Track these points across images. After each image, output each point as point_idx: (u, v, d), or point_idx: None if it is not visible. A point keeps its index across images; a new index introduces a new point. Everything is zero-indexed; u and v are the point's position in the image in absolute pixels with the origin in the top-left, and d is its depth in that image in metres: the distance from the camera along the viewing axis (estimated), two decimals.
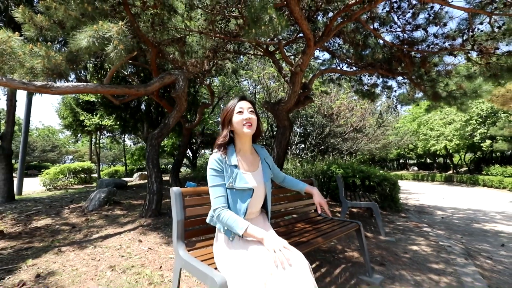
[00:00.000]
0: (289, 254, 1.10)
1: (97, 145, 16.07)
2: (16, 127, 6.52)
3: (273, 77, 9.33)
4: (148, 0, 3.25)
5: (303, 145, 10.93)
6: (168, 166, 22.28)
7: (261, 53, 5.09)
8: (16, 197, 5.98)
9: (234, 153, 1.38)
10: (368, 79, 5.70)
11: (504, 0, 2.90)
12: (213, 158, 1.34)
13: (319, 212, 1.58)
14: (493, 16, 3.18)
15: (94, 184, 10.35)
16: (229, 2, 3.28)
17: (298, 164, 7.58)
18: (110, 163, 37.37)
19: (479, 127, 15.96)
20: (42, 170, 11.07)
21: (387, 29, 4.07)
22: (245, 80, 11.43)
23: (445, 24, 3.56)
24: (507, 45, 3.39)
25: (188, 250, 1.52)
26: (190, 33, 4.01)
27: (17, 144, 19.74)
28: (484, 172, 16.21)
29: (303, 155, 10.08)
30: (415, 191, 11.23)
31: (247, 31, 2.49)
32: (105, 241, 2.85)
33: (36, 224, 3.55)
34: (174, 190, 1.52)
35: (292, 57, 5.58)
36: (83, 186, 9.98)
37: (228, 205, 1.31)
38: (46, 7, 2.81)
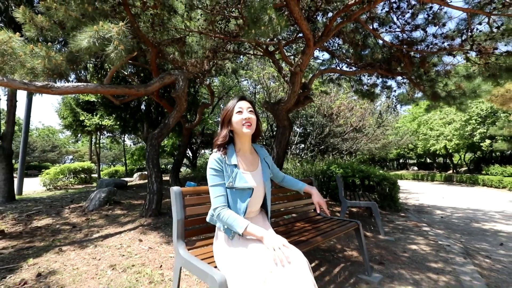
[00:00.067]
0: (289, 252, 1.11)
1: (97, 145, 16.08)
2: (16, 127, 6.53)
3: (273, 77, 9.35)
4: (148, 0, 3.26)
5: (303, 145, 10.95)
6: (168, 166, 22.30)
7: (261, 53, 5.11)
8: (17, 197, 5.99)
9: (234, 153, 1.39)
10: (368, 79, 5.71)
11: (503, 0, 2.91)
12: (213, 158, 1.35)
13: (318, 211, 1.59)
14: (492, 16, 3.19)
15: (94, 184, 10.36)
16: (229, 2, 3.30)
17: (298, 164, 7.60)
18: (110, 163, 37.38)
19: (478, 126, 15.98)
20: (42, 170, 11.07)
21: (386, 29, 4.08)
22: (245, 80, 11.45)
23: (444, 24, 3.58)
24: (505, 45, 3.40)
25: (188, 249, 1.53)
26: (190, 33, 4.02)
27: (17, 144, 19.75)
28: (483, 172, 16.23)
29: (303, 155, 10.09)
30: (415, 191, 11.24)
31: (247, 31, 2.50)
32: (106, 241, 2.86)
33: (36, 224, 3.56)
34: (174, 189, 1.53)
35: (292, 57, 5.59)
36: (83, 186, 9.99)
37: (228, 204, 1.33)
38: (47, 7, 2.82)
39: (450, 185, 15.64)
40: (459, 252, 2.96)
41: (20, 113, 8.87)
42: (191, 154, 14.52)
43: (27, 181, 10.43)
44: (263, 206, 1.53)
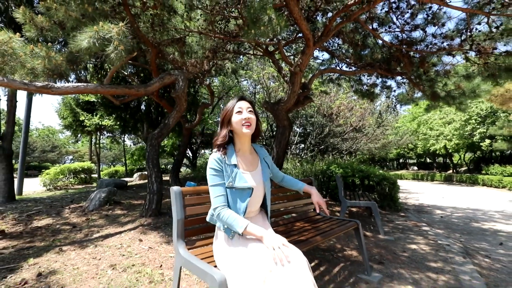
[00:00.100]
0: (288, 252, 1.12)
1: (97, 145, 16.08)
2: (16, 128, 6.54)
3: (273, 77, 9.35)
4: (148, 0, 3.27)
5: (303, 145, 10.95)
6: (168, 166, 22.31)
7: (261, 53, 5.11)
8: (17, 197, 5.99)
9: (234, 152, 1.40)
10: (368, 79, 5.72)
11: (502, 0, 2.92)
12: (213, 158, 1.35)
13: (318, 211, 1.60)
14: (491, 16, 3.20)
15: (94, 184, 10.36)
16: (229, 2, 3.30)
17: (298, 164, 7.60)
18: (110, 163, 37.39)
19: (478, 126, 15.99)
20: (42, 170, 11.08)
21: (386, 29, 4.09)
22: (244, 80, 11.45)
23: (443, 24, 3.58)
24: (505, 45, 3.41)
25: (188, 249, 1.54)
26: (190, 33, 4.02)
27: (17, 145, 19.75)
28: (483, 172, 16.24)
29: (302, 154, 10.10)
30: (415, 191, 11.25)
31: (247, 31, 2.50)
32: (106, 241, 2.87)
33: (37, 224, 3.57)
34: (174, 189, 1.53)
35: (292, 57, 5.60)
36: (83, 186, 10.00)
37: (228, 204, 1.33)
38: (47, 7, 2.83)
39: (450, 185, 15.65)
40: (458, 251, 2.97)
41: (20, 113, 8.89)
42: (191, 154, 14.53)
43: (27, 181, 10.44)
44: (263, 206, 1.54)
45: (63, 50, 4.38)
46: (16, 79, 2.78)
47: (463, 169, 22.74)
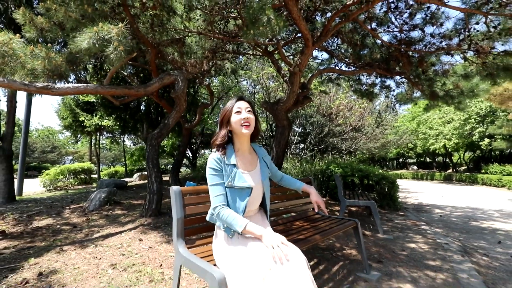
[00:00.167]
0: (287, 250, 1.13)
1: (97, 146, 16.09)
2: (16, 128, 6.54)
3: (272, 77, 9.36)
4: (147, 1, 3.28)
5: (302, 145, 10.97)
6: (168, 167, 22.33)
7: (260, 53, 5.13)
8: (17, 197, 6.00)
9: (233, 152, 1.41)
10: (367, 79, 5.73)
11: (500, 0, 2.93)
12: (212, 158, 1.37)
13: (316, 210, 1.61)
14: (489, 16, 3.22)
15: (94, 185, 10.37)
16: (228, 3, 3.32)
17: (298, 164, 7.62)
18: (110, 164, 37.38)
19: (477, 125, 16.00)
20: (42, 171, 11.09)
21: (384, 29, 4.10)
22: (244, 80, 11.46)
23: (441, 24, 3.60)
24: (503, 44, 3.42)
25: (188, 248, 1.55)
26: (189, 33, 4.03)
27: (17, 145, 19.75)
28: (483, 171, 16.26)
29: (302, 154, 10.12)
30: (414, 190, 11.27)
31: (246, 32, 2.52)
32: (106, 240, 2.88)
33: (37, 224, 3.58)
34: (174, 188, 1.55)
35: (291, 57, 5.61)
36: (83, 186, 10.01)
37: (228, 203, 1.34)
38: (46, 8, 2.83)
39: (450, 184, 15.68)
40: (457, 250, 2.99)
41: (19, 114, 8.87)
42: (190, 154, 14.54)
43: (27, 182, 10.43)
44: (262, 205, 1.55)
45: (63, 50, 4.39)
46: (17, 80, 2.79)
47: (462, 168, 22.77)
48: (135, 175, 13.33)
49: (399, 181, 6.45)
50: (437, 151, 20.63)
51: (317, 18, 4.41)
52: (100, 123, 11.12)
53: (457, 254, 2.84)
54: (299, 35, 4.43)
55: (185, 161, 14.07)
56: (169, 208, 4.27)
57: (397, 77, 5.06)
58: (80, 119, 11.28)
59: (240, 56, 6.76)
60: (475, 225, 4.51)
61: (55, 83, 3.22)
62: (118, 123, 9.32)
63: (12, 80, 2.73)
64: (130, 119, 8.56)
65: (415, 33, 3.93)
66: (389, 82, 5.50)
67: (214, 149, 1.40)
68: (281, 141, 4.33)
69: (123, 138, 19.67)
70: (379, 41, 4.30)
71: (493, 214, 5.56)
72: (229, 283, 1.16)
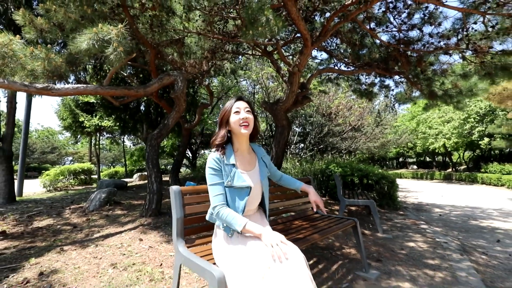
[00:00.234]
0: (286, 248, 1.14)
1: (96, 146, 16.10)
2: (16, 129, 6.55)
3: (272, 77, 9.38)
4: (147, 1, 3.29)
5: (302, 145, 10.98)
6: (168, 167, 22.32)
7: (260, 54, 5.14)
8: (17, 198, 6.01)
9: (232, 152, 1.42)
10: (366, 79, 5.75)
11: (497, 0, 2.95)
12: (212, 158, 1.38)
13: (315, 210, 1.62)
14: (487, 16, 3.23)
15: (94, 185, 10.38)
16: (227, 3, 3.33)
17: (297, 163, 7.63)
18: (110, 164, 37.39)
19: (477, 125, 16.02)
20: (42, 171, 11.11)
21: (383, 29, 4.12)
22: (243, 80, 11.47)
23: (440, 24, 3.61)
24: (500, 44, 3.44)
25: (188, 247, 1.56)
26: (189, 34, 4.04)
27: (17, 146, 19.76)
28: (482, 170, 16.28)
29: (302, 154, 10.13)
30: (414, 189, 11.29)
31: (245, 32, 2.53)
32: (106, 240, 2.89)
33: (37, 225, 3.59)
34: (174, 188, 1.56)
35: (290, 57, 5.63)
36: (83, 187, 10.02)
37: (227, 202, 1.35)
38: (46, 9, 2.84)
39: (449, 183, 15.70)
40: (456, 249, 3.00)
41: (19, 115, 8.88)
42: (190, 155, 14.55)
43: (27, 182, 10.45)
44: (261, 205, 1.56)
45: (63, 51, 4.40)
46: (17, 81, 2.81)
47: (462, 167, 22.79)
48: (135, 176, 13.34)
49: (399, 181, 6.46)
50: (436, 151, 20.64)
51: (316, 18, 4.42)
52: (100, 124, 11.13)
53: (456, 252, 2.86)
54: (298, 35, 4.44)
55: (185, 161, 14.08)
56: (169, 208, 4.28)
57: (396, 77, 5.08)
58: (80, 120, 11.30)
59: (240, 56, 6.78)
60: (474, 224, 4.52)
61: (55, 84, 3.23)
62: (118, 124, 9.33)
63: (12, 81, 2.74)
64: (130, 119, 8.58)
65: (414, 33, 3.94)
66: (388, 81, 5.52)
67: (214, 149, 1.42)
68: (280, 141, 4.35)
69: (123, 138, 19.69)
70: (378, 41, 4.32)
71: (492, 213, 5.58)
72: (229, 282, 1.17)
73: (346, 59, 5.01)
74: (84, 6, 2.80)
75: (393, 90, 5.53)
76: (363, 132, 11.67)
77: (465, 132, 16.43)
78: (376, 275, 2.22)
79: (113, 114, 8.48)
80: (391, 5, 3.66)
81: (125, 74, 6.43)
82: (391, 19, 3.87)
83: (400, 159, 34.52)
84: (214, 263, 1.35)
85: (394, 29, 3.99)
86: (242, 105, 1.41)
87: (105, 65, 5.83)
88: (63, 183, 10.19)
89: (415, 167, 31.55)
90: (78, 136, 14.55)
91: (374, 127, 12.31)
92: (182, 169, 13.60)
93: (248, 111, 1.41)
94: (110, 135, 15.35)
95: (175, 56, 4.52)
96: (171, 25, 3.76)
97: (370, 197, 4.24)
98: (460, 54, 3.89)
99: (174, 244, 1.54)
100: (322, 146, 10.71)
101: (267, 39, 4.14)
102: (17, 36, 2.63)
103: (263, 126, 10.68)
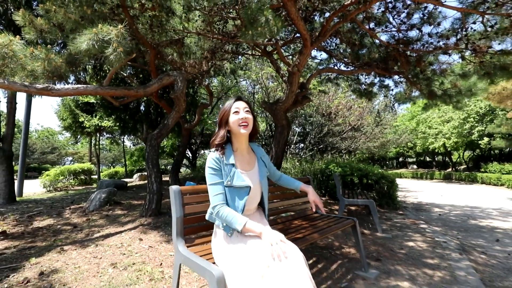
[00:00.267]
0: (285, 247, 1.15)
1: (96, 147, 16.11)
2: (16, 129, 6.56)
3: (271, 77, 9.38)
4: (146, 2, 3.29)
5: (302, 144, 10.99)
6: (168, 167, 22.34)
7: (259, 54, 5.14)
8: (17, 198, 6.02)
9: (232, 152, 1.43)
10: (365, 78, 5.75)
11: (496, 0, 2.95)
12: (211, 157, 1.39)
13: (314, 210, 1.63)
14: (486, 16, 3.24)
15: (94, 185, 10.39)
16: (227, 3, 3.33)
17: (297, 163, 7.64)
18: (110, 164, 37.40)
19: (477, 124, 16.03)
20: (42, 172, 11.11)
21: (382, 29, 4.12)
22: (243, 80, 11.47)
23: (439, 24, 3.62)
24: (499, 43, 3.44)
25: (188, 246, 1.57)
26: (188, 34, 4.05)
27: (17, 146, 19.76)
28: (482, 170, 16.29)
29: (302, 154, 10.14)
30: (414, 189, 11.29)
31: (244, 32, 2.53)
32: (106, 240, 2.90)
33: (38, 225, 3.59)
34: (173, 188, 1.57)
35: (290, 57, 5.63)
36: (83, 187, 10.03)
37: (227, 202, 1.36)
38: (46, 10, 2.85)
39: (449, 183, 15.70)
40: (455, 248, 3.01)
41: (19, 115, 8.89)
42: (190, 155, 14.56)
43: (27, 183, 10.45)
44: (261, 204, 1.57)
45: (63, 52, 4.40)
46: (17, 81, 2.81)
47: (462, 167, 22.81)
48: (135, 176, 13.35)
49: (398, 180, 6.47)
50: (436, 150, 20.67)
51: (315, 18, 4.43)
52: (99, 124, 11.14)
53: (455, 252, 2.87)
54: (298, 35, 4.45)
55: (185, 161, 14.09)
56: (169, 208, 4.29)
57: (396, 77, 5.08)
58: (80, 120, 11.31)
59: (239, 56, 6.79)
60: (473, 224, 4.53)
61: (55, 84, 3.23)
62: (117, 124, 9.34)
63: (12, 81, 2.75)
64: (130, 119, 8.58)
65: (413, 33, 3.95)
66: (388, 81, 5.52)
67: (213, 149, 1.42)
68: (280, 141, 4.35)
69: (123, 138, 19.70)
70: (377, 41, 4.32)
71: (492, 213, 5.58)
72: (228, 281, 1.18)
73: (345, 59, 5.02)
74: (84, 7, 2.81)
75: (392, 90, 5.53)
76: (362, 132, 11.68)
77: (465, 131, 16.44)
78: (375, 274, 2.23)
79: (113, 114, 8.48)
80: (390, 5, 3.67)
81: (125, 75, 6.43)
82: (391, 19, 3.88)
83: (400, 159, 34.53)
84: (214, 263, 1.36)
85: (393, 29, 4.00)
86: (241, 105, 1.42)
87: (105, 66, 5.84)
88: (63, 183, 10.20)
89: (415, 166, 31.57)
90: (78, 136, 14.57)
91: (374, 127, 12.32)
92: (182, 169, 13.61)
93: (247, 111, 1.42)
94: (110, 135, 15.35)
95: (175, 56, 4.52)
96: (170, 25, 3.77)
97: (369, 197, 4.25)
98: (459, 54, 3.90)
99: (174, 244, 1.55)
100: (322, 146, 10.72)
101: (266, 39, 4.14)
102: (17, 36, 2.63)
103: (263, 126, 10.69)
